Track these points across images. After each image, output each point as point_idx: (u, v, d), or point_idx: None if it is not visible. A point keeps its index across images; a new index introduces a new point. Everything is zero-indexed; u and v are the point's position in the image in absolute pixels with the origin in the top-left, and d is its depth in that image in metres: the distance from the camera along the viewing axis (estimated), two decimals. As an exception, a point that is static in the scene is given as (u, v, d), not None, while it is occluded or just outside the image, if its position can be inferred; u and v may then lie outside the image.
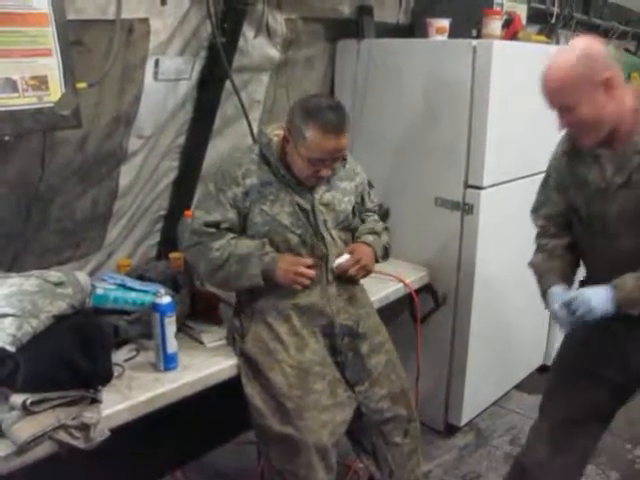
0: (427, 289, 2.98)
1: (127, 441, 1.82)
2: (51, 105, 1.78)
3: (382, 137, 3.02)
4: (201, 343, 2.24)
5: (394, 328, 2.44)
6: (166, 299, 2.00)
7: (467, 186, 2.82)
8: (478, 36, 2.88)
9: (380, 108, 3.00)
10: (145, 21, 2.14)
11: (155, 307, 2.00)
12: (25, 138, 1.93)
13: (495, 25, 2.87)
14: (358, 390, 2.18)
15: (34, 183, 2.11)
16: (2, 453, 1.59)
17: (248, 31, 2.54)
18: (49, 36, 1.75)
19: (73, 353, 1.74)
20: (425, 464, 2.75)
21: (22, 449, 1.60)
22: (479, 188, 2.79)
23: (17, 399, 1.64)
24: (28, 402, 1.64)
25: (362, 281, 2.35)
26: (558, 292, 1.90)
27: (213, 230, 2.11)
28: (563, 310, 1.83)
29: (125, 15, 2.01)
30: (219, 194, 2.11)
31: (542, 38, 3.49)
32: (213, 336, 2.26)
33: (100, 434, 1.71)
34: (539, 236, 2.08)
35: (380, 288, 2.71)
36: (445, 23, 2.88)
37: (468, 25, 2.91)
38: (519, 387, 3.53)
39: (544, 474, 2.13)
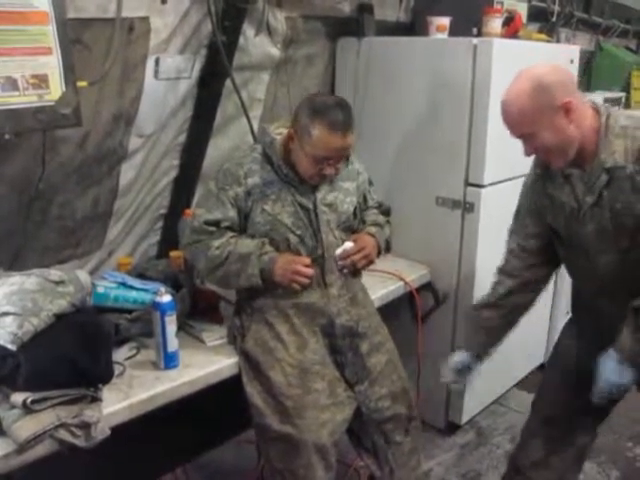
0: (428, 288, 2.98)
1: (128, 439, 1.82)
2: (51, 104, 1.78)
3: (382, 135, 3.02)
4: (201, 342, 2.24)
5: (394, 327, 2.43)
6: (166, 298, 2.01)
7: (468, 184, 2.82)
8: (479, 34, 2.88)
9: (380, 106, 3.00)
10: (145, 19, 2.13)
11: (156, 306, 2.00)
12: (25, 137, 1.93)
13: (496, 23, 2.87)
14: (358, 390, 2.18)
15: (34, 182, 2.11)
16: (3, 451, 1.59)
17: (248, 29, 2.54)
18: (49, 35, 1.75)
19: (74, 352, 1.75)
20: (426, 462, 2.75)
21: (23, 448, 1.60)
22: (480, 186, 2.79)
23: (18, 397, 1.64)
24: (29, 401, 1.64)
25: (363, 280, 2.35)
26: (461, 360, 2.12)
27: (213, 229, 2.11)
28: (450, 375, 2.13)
29: (125, 13, 2.01)
30: (220, 193, 2.11)
31: (543, 36, 3.50)
32: (213, 335, 2.26)
33: (101, 432, 1.71)
34: (501, 270, 2.09)
35: (380, 287, 2.71)
36: (445, 21, 2.88)
37: (468, 23, 2.90)
38: (520, 385, 3.53)
39: (540, 475, 2.13)
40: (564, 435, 2.10)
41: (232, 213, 2.11)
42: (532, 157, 1.87)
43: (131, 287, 2.23)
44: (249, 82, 2.76)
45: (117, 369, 1.93)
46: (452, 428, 3.20)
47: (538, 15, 3.88)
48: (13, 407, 1.65)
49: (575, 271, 2.01)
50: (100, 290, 2.15)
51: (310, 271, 2.11)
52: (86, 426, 1.69)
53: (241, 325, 2.21)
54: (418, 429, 2.38)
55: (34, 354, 1.69)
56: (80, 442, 1.68)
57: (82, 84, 1.89)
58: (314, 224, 2.15)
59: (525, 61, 2.54)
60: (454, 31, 2.89)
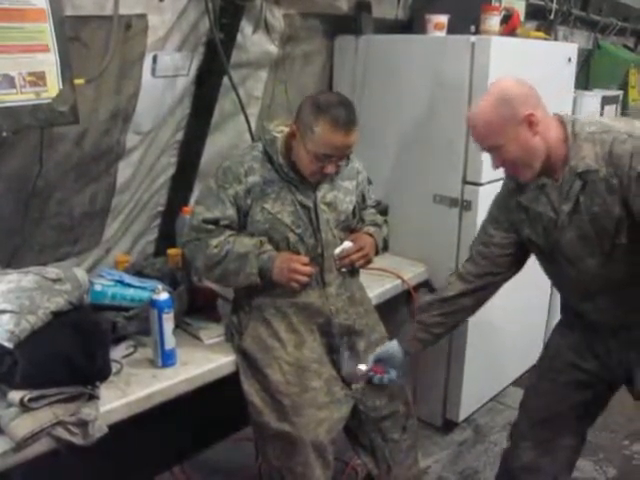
0: (425, 285, 2.98)
1: (125, 438, 1.82)
2: (49, 101, 1.78)
3: (380, 133, 3.01)
4: (199, 340, 2.24)
5: (392, 325, 2.44)
6: (164, 295, 2.01)
7: (465, 182, 2.82)
8: (476, 32, 2.87)
9: (378, 104, 2.99)
10: (143, 17, 2.13)
11: (153, 303, 2.00)
12: (23, 134, 1.92)
13: (493, 21, 2.86)
14: (355, 387, 2.18)
15: (32, 179, 2.10)
16: (0, 450, 1.59)
17: (246, 27, 2.53)
18: (47, 32, 1.74)
19: (71, 349, 1.74)
20: (423, 460, 2.76)
21: (20, 446, 1.60)
22: (477, 184, 2.79)
23: (15, 395, 1.64)
24: (26, 399, 1.64)
25: (361, 278, 2.36)
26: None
27: (212, 227, 2.11)
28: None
29: (123, 11, 2.00)
30: (220, 191, 2.11)
31: (541, 34, 3.49)
32: (211, 332, 2.26)
33: (98, 430, 1.71)
34: (455, 273, 2.11)
35: (378, 285, 2.71)
36: (443, 19, 2.88)
37: (466, 21, 2.90)
38: (517, 383, 3.53)
39: (533, 477, 2.13)
40: (554, 437, 2.10)
41: (231, 212, 2.11)
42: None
43: (128, 285, 2.23)
44: (247, 80, 2.75)
45: (114, 367, 1.93)
46: (449, 426, 3.20)
47: (536, 13, 3.88)
48: (10, 405, 1.65)
49: (559, 280, 2.03)
50: (97, 288, 2.15)
51: (309, 269, 2.11)
52: (83, 424, 1.69)
53: (239, 323, 2.21)
54: (415, 427, 2.38)
55: (31, 352, 1.68)
56: (78, 440, 1.68)
57: (79, 82, 1.89)
58: (314, 223, 2.15)
59: (523, 59, 2.55)
60: (452, 29, 2.89)
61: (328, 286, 2.17)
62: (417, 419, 2.42)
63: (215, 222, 2.11)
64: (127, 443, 1.94)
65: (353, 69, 3.05)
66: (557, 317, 2.23)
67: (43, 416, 1.65)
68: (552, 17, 4.04)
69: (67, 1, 1.83)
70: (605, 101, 4.07)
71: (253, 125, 2.71)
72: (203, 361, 2.10)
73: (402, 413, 2.30)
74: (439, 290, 2.12)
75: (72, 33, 1.90)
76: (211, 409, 2.25)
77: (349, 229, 2.29)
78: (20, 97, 1.72)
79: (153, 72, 2.29)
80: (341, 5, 2.90)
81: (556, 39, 4.14)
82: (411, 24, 3.22)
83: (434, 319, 2.05)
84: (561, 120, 1.80)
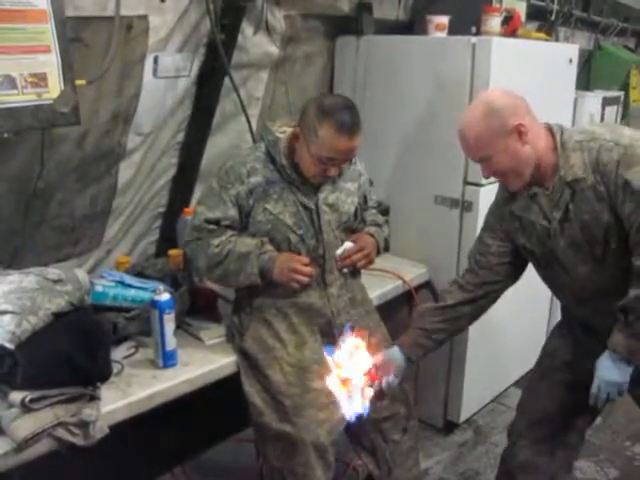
0: (426, 286, 2.98)
1: (126, 438, 1.82)
2: (50, 102, 1.78)
3: (381, 134, 3.01)
4: (200, 340, 2.24)
5: (393, 326, 2.43)
6: (165, 296, 2.01)
7: (466, 183, 2.82)
8: (477, 33, 2.87)
9: (379, 105, 2.99)
10: (144, 18, 2.13)
11: (154, 304, 2.00)
12: (24, 135, 1.93)
13: (494, 22, 2.86)
14: (356, 388, 2.18)
15: (33, 180, 2.11)
16: (1, 450, 1.59)
17: (247, 28, 2.54)
18: (48, 33, 1.74)
19: (72, 350, 1.74)
20: (424, 461, 2.76)
21: (21, 446, 1.60)
22: (478, 185, 2.79)
23: (16, 396, 1.64)
24: (27, 399, 1.64)
25: (362, 279, 2.35)
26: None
27: (214, 227, 2.11)
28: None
29: (124, 12, 2.01)
30: (222, 191, 2.11)
31: (542, 35, 3.49)
32: (212, 333, 2.26)
33: (99, 431, 1.71)
34: (454, 281, 2.09)
35: (379, 286, 2.71)
36: (444, 20, 2.88)
37: (467, 22, 2.90)
38: (518, 384, 3.52)
39: (531, 476, 2.13)
40: (552, 436, 2.10)
41: (233, 212, 2.11)
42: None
43: (129, 286, 2.23)
44: (248, 80, 2.75)
45: (115, 368, 1.93)
46: (450, 427, 3.20)
47: (537, 14, 3.88)
48: (11, 406, 1.65)
49: (555, 286, 2.04)
50: (98, 289, 2.15)
51: (309, 270, 2.11)
52: (84, 425, 1.69)
53: (240, 324, 2.21)
54: (416, 428, 2.38)
55: (32, 353, 1.68)
56: (79, 441, 1.68)
57: (81, 82, 1.89)
58: (316, 224, 2.15)
59: (524, 60, 2.54)
60: (453, 30, 2.89)
61: (329, 287, 2.18)
62: (418, 420, 2.42)
63: (217, 222, 2.11)
64: (128, 444, 1.94)
65: (354, 70, 3.05)
66: (558, 318, 2.23)
67: (44, 417, 1.65)
68: (553, 18, 4.04)
69: (68, 2, 1.84)
70: (606, 102, 4.06)
71: (254, 126, 2.71)
72: (204, 362, 2.11)
73: (403, 414, 2.30)
74: (440, 298, 2.11)
75: (73, 34, 1.90)
76: (212, 410, 2.25)
77: (350, 230, 2.29)
78: (21, 98, 1.72)
79: (154, 73, 2.30)
80: (342, 6, 2.90)
81: (557, 40, 4.14)
82: (412, 25, 3.22)
83: (436, 325, 2.04)
84: (550, 129, 1.81)
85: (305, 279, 2.11)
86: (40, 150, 2.03)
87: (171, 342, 2.02)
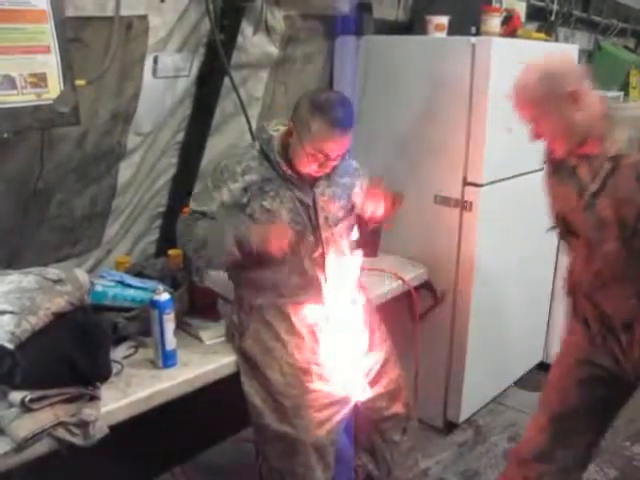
0: (426, 286, 2.99)
1: (126, 438, 1.82)
2: (50, 102, 1.78)
3: (381, 134, 3.01)
4: (200, 340, 2.24)
5: (393, 325, 2.44)
6: (165, 296, 2.01)
7: (466, 183, 2.82)
8: (477, 33, 2.87)
9: (379, 106, 2.99)
10: (144, 18, 2.13)
11: (154, 304, 2.00)
12: (24, 135, 1.93)
13: (494, 22, 2.86)
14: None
15: (33, 180, 2.11)
16: (1, 450, 1.59)
17: (247, 28, 2.54)
18: (48, 33, 1.74)
19: (72, 350, 1.75)
20: (424, 461, 2.76)
21: (21, 446, 1.60)
22: (478, 185, 2.79)
23: (16, 396, 1.65)
24: (27, 399, 1.64)
25: (361, 279, 2.35)
26: None
27: (200, 216, 2.10)
28: None
29: (124, 12, 2.01)
30: (214, 190, 2.11)
31: (541, 35, 3.49)
32: (212, 333, 2.26)
33: (99, 431, 1.71)
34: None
35: (379, 285, 2.71)
36: (444, 20, 2.88)
37: (467, 22, 2.90)
38: (518, 384, 3.53)
39: (545, 465, 2.12)
40: (571, 432, 2.09)
41: (221, 210, 2.10)
42: (530, 155, 1.88)
43: (129, 285, 2.23)
44: (247, 80, 2.75)
45: (115, 368, 1.93)
46: (450, 427, 3.20)
47: (537, 14, 3.88)
48: (11, 406, 1.65)
49: (578, 264, 2.00)
50: (98, 289, 2.15)
51: (288, 230, 2.04)
52: (84, 425, 1.69)
53: (239, 323, 2.21)
54: (416, 428, 2.38)
55: (32, 353, 1.68)
56: (78, 441, 1.68)
57: (80, 83, 1.89)
58: (313, 220, 2.15)
59: (524, 60, 2.53)
60: (453, 30, 2.89)
61: (329, 285, 2.17)
62: (418, 420, 2.42)
63: (203, 214, 2.10)
64: (128, 444, 1.94)
65: (354, 70, 3.05)
66: (558, 318, 2.23)
67: (44, 417, 1.66)
68: (553, 18, 4.04)
69: (68, 2, 1.84)
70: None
71: (254, 126, 2.71)
72: (204, 361, 2.10)
73: (402, 415, 2.30)
74: None
75: (73, 34, 1.90)
76: (212, 410, 2.25)
77: (350, 227, 2.29)
78: (21, 98, 1.72)
79: (154, 73, 2.30)
80: (342, 6, 2.90)
81: (557, 40, 4.14)
82: (412, 25, 3.22)
83: None
84: (603, 99, 1.80)
85: (284, 241, 2.01)
86: (40, 150, 2.03)
87: (171, 342, 2.02)
